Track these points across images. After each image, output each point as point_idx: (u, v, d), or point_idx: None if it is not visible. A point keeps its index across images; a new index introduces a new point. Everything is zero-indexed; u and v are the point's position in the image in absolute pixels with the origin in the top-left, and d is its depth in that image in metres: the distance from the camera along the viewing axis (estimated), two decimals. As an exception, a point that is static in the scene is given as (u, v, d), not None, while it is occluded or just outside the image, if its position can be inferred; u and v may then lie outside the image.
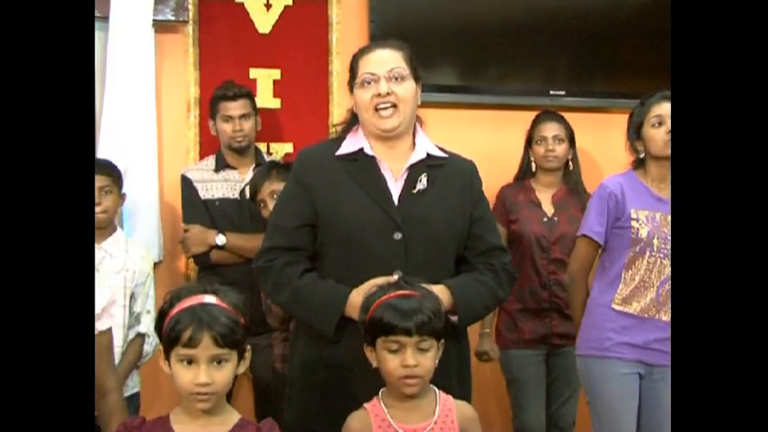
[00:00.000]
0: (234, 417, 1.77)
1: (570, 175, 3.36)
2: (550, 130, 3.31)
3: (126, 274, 2.84)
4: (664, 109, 2.70)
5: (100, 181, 2.81)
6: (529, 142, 3.37)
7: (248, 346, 1.78)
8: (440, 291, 2.08)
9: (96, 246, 2.82)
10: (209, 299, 1.73)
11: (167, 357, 1.71)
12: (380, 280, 2.03)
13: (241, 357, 1.75)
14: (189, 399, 1.70)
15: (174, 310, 1.71)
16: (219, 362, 1.69)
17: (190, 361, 1.68)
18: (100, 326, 2.03)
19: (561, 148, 3.30)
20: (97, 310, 2.01)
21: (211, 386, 1.68)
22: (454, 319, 2.14)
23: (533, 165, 3.36)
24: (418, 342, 1.82)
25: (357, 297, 2.05)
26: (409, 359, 1.82)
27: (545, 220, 3.28)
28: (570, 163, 3.35)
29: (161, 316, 1.75)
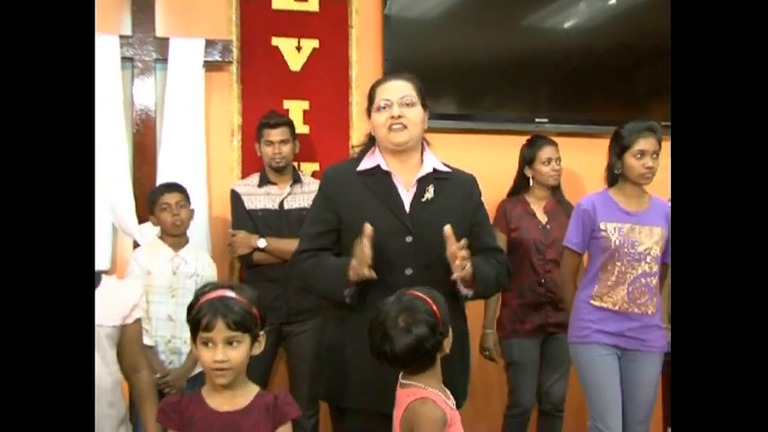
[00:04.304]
0: (255, 389, 1.89)
1: (556, 189, 3.60)
2: (553, 152, 3.51)
3: (197, 278, 3.11)
4: (647, 144, 2.88)
5: (175, 198, 3.15)
6: (529, 162, 3.52)
7: (262, 332, 1.88)
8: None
9: (174, 254, 3.16)
10: (228, 293, 1.85)
11: (194, 341, 1.86)
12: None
13: (254, 341, 1.86)
14: (210, 375, 1.84)
15: (198, 303, 1.84)
16: (232, 343, 1.81)
17: (209, 343, 1.81)
18: (136, 314, 2.30)
19: (560, 168, 3.55)
20: (135, 301, 2.31)
21: (227, 363, 1.80)
22: (466, 291, 2.28)
23: (531, 181, 3.52)
24: None
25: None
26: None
27: (540, 227, 3.47)
28: None
29: (189, 308, 1.86)
